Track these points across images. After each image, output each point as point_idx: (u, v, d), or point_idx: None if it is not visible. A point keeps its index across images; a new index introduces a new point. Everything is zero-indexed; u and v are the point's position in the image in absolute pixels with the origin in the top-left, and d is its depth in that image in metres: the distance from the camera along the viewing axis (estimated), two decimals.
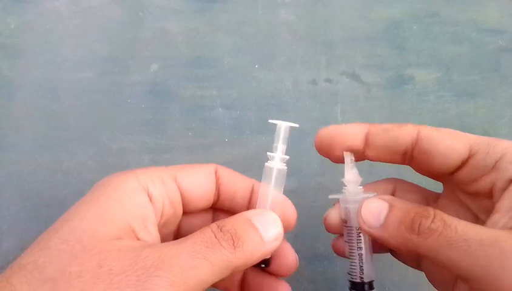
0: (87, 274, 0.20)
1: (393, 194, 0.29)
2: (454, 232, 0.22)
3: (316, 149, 0.28)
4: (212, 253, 0.21)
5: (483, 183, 0.25)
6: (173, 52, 0.46)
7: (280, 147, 0.26)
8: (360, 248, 0.27)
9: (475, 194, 0.26)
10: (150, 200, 0.24)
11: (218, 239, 0.21)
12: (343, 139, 0.27)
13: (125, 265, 0.20)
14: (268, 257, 0.26)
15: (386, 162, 0.28)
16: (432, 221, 0.22)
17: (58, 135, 0.43)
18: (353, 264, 0.27)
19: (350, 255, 0.28)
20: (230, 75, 0.46)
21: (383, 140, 0.27)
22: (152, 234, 0.24)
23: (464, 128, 0.44)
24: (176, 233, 0.28)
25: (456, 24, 0.48)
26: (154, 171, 0.25)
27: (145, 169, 0.25)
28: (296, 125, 0.26)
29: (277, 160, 0.26)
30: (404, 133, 0.26)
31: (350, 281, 0.28)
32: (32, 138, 0.42)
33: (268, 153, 0.27)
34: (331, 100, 0.45)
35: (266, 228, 0.23)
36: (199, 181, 0.26)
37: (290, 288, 0.27)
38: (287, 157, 0.27)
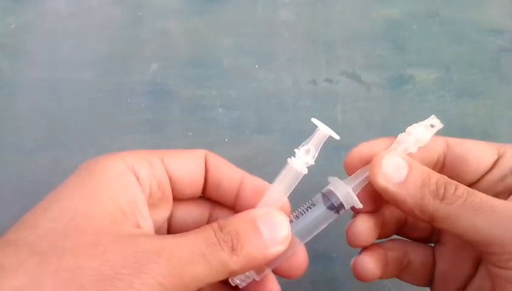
0: (81, 250, 0.19)
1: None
2: (478, 199, 0.22)
3: (346, 169, 0.27)
4: (210, 253, 0.20)
5: (508, 182, 0.26)
6: (173, 52, 0.46)
7: (312, 151, 0.24)
8: None
9: (501, 194, 0.26)
10: (138, 181, 0.23)
11: (218, 239, 0.21)
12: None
13: (122, 246, 0.19)
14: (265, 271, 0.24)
15: None
16: (456, 188, 0.23)
17: (58, 135, 0.43)
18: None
19: None
20: (230, 75, 0.46)
21: (416, 152, 0.27)
22: (144, 216, 0.23)
23: (464, 128, 0.44)
24: (170, 222, 0.27)
25: (456, 24, 0.48)
26: (141, 153, 0.24)
27: (131, 151, 0.24)
28: (337, 137, 0.25)
29: (302, 162, 0.24)
30: (434, 141, 0.26)
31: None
32: (32, 138, 0.42)
33: (296, 150, 0.25)
34: (331, 100, 0.45)
35: (272, 231, 0.22)
36: (187, 165, 0.25)
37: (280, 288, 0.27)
38: (313, 163, 0.25)
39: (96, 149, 0.42)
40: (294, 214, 0.25)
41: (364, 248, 0.29)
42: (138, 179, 0.23)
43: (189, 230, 0.21)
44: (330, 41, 0.47)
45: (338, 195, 0.24)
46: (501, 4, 0.49)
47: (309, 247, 0.40)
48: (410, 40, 0.48)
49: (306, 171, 0.24)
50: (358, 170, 0.27)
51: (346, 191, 0.24)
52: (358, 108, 0.45)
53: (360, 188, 0.26)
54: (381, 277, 0.28)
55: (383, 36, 0.48)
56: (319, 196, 0.25)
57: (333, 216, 0.24)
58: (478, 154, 0.26)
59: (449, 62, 0.47)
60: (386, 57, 0.47)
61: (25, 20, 0.47)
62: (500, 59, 0.47)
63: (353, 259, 0.28)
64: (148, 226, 0.23)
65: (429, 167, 0.27)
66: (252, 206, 0.24)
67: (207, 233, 0.21)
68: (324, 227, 0.24)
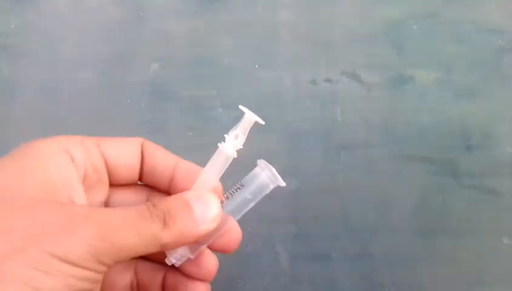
0: (12, 214, 0.20)
1: None
2: None
3: None
4: (140, 223, 0.21)
5: None
6: (173, 52, 0.46)
7: (240, 136, 0.25)
8: None
9: None
10: (72, 162, 0.24)
11: (150, 213, 0.21)
12: None
13: (52, 210, 0.20)
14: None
15: None
16: None
17: (58, 135, 0.43)
18: None
19: None
20: (230, 75, 0.46)
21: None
22: (78, 192, 0.23)
23: (464, 128, 0.44)
24: (106, 206, 0.27)
25: (456, 24, 0.48)
26: (76, 137, 0.25)
27: (66, 135, 0.25)
28: (262, 122, 0.25)
29: (231, 146, 0.25)
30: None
31: None
32: (32, 138, 0.42)
33: (226, 135, 0.25)
34: (331, 100, 0.45)
35: (203, 210, 0.23)
36: (123, 150, 0.26)
37: (209, 288, 0.27)
38: (242, 147, 0.26)
39: None
40: (225, 195, 0.25)
41: None
42: (72, 160, 0.24)
43: None
44: (330, 41, 0.47)
45: (265, 176, 0.25)
46: (502, 4, 0.49)
47: (309, 247, 0.40)
48: (410, 40, 0.48)
49: (235, 155, 0.25)
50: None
51: (272, 172, 0.25)
52: (358, 108, 0.45)
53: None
54: None
55: (383, 36, 0.48)
56: (248, 176, 0.26)
57: (260, 195, 0.25)
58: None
59: (449, 62, 0.47)
60: (386, 57, 0.47)
61: (25, 20, 0.47)
62: (500, 59, 0.47)
63: None
64: (81, 200, 0.24)
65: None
66: (185, 189, 0.25)
67: (140, 207, 0.22)
68: (253, 205, 0.25)
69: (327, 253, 0.40)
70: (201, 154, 0.43)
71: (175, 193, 0.24)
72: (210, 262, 0.27)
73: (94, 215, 0.20)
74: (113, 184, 0.26)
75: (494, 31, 0.48)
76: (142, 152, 0.27)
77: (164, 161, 0.27)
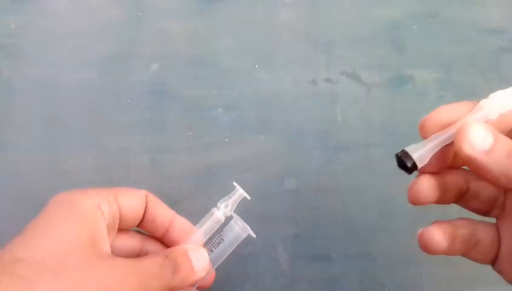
0: (82, 266, 0.25)
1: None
2: None
3: (421, 132, 0.28)
4: (162, 274, 0.27)
5: None
6: (173, 52, 0.46)
7: (230, 206, 0.31)
8: None
9: None
10: (102, 215, 0.28)
11: (165, 265, 0.28)
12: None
13: (106, 267, 0.26)
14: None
15: None
16: None
17: (58, 135, 0.43)
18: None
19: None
20: (230, 75, 0.46)
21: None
22: (107, 242, 0.28)
23: None
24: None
25: (456, 24, 0.48)
26: (102, 192, 0.29)
27: (95, 190, 0.29)
28: (249, 198, 0.31)
29: (222, 214, 0.31)
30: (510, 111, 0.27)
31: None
32: (32, 138, 0.43)
33: (218, 203, 0.31)
34: (331, 100, 0.45)
35: (198, 262, 0.29)
36: (134, 202, 0.30)
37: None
38: (229, 214, 0.31)
39: (96, 149, 0.42)
40: (208, 247, 0.31)
41: (434, 221, 0.29)
42: (102, 213, 0.28)
43: (124, 256, 0.28)
44: (330, 41, 0.47)
45: (238, 229, 0.31)
46: (502, 4, 0.49)
47: (309, 246, 0.40)
48: (410, 40, 0.48)
49: (223, 220, 0.31)
50: (433, 135, 0.27)
51: (244, 225, 0.31)
52: (358, 108, 0.45)
53: (434, 152, 0.26)
54: (446, 253, 0.28)
55: (383, 36, 0.48)
56: (226, 230, 0.31)
57: (236, 244, 0.31)
58: None
59: (449, 62, 0.47)
60: (386, 57, 0.47)
61: (25, 20, 0.47)
62: (500, 59, 0.47)
63: (420, 230, 0.28)
64: (108, 249, 0.28)
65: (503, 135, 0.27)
66: (178, 239, 0.31)
67: (158, 260, 0.28)
68: (230, 251, 0.31)
69: (327, 253, 0.40)
70: (201, 154, 0.43)
71: (168, 242, 0.31)
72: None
73: (137, 268, 0.26)
74: (119, 229, 0.31)
75: (494, 31, 0.48)
76: (146, 203, 0.31)
77: (164, 214, 0.31)
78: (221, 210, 0.31)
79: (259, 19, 0.48)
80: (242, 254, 0.39)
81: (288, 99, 0.45)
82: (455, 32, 0.48)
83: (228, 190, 0.42)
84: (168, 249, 0.30)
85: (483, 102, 0.27)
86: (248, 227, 0.31)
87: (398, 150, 0.28)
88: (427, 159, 0.27)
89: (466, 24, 0.48)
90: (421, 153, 0.27)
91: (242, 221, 0.31)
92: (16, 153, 0.42)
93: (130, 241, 0.32)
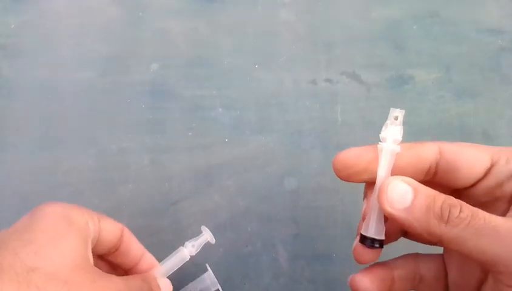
0: (87, 282, 0.26)
1: None
2: (482, 221, 0.23)
3: (337, 175, 0.28)
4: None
5: (506, 188, 0.26)
6: (173, 52, 0.46)
7: (196, 246, 0.33)
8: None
9: (495, 201, 0.26)
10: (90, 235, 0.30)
11: (144, 287, 0.30)
12: (366, 164, 0.27)
13: (107, 281, 0.27)
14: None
15: None
16: (461, 211, 0.23)
17: (58, 135, 0.43)
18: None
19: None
20: (230, 75, 0.46)
21: (407, 159, 0.27)
22: (91, 259, 0.29)
23: (464, 128, 0.44)
24: None
25: (456, 24, 0.48)
26: (89, 212, 0.30)
27: (83, 208, 0.30)
28: (213, 242, 0.33)
29: (188, 252, 0.33)
30: (426, 148, 0.27)
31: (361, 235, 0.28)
32: (32, 138, 0.43)
33: (186, 242, 0.33)
34: (331, 100, 0.45)
35: (165, 288, 0.32)
36: (113, 230, 0.31)
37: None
38: (194, 254, 0.33)
39: (96, 149, 0.42)
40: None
41: (367, 267, 0.28)
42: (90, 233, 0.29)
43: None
44: (330, 41, 0.47)
45: (209, 282, 0.36)
46: (502, 4, 0.49)
47: (309, 247, 0.40)
48: (410, 40, 0.48)
49: (188, 258, 0.33)
50: (372, 202, 0.27)
51: (214, 280, 0.36)
52: (358, 108, 0.45)
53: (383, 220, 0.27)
54: None
55: (383, 36, 0.48)
56: (198, 280, 0.36)
57: None
58: (470, 162, 0.26)
59: (449, 62, 0.47)
60: (386, 57, 0.47)
61: (25, 20, 0.47)
62: (500, 59, 0.47)
63: (350, 276, 0.28)
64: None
65: (422, 174, 0.27)
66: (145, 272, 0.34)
67: (139, 282, 0.30)
68: None
69: (327, 253, 0.40)
70: (201, 154, 0.43)
71: (134, 272, 0.33)
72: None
73: (127, 287, 0.28)
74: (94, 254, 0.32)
75: (494, 31, 0.48)
76: (122, 235, 0.32)
77: (137, 247, 0.33)
78: (188, 249, 0.33)
79: (259, 19, 0.48)
80: (242, 254, 0.39)
81: (288, 99, 0.45)
82: (455, 32, 0.48)
83: (228, 190, 0.42)
84: (143, 274, 0.32)
85: (380, 144, 0.27)
86: (217, 283, 0.35)
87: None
88: (383, 229, 0.27)
89: (466, 24, 0.48)
90: (376, 228, 0.27)
91: (213, 276, 0.36)
92: (16, 153, 0.42)
93: (101, 267, 0.33)
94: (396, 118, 0.27)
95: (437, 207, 0.24)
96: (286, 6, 0.49)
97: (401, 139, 0.27)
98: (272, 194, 0.41)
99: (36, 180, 0.41)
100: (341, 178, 0.28)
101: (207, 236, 0.34)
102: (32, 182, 0.41)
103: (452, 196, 0.28)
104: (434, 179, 0.28)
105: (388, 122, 0.28)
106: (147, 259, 0.34)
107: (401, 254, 0.30)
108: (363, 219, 0.28)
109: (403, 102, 0.45)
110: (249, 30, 0.48)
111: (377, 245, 0.27)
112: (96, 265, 0.29)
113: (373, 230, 0.27)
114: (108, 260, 0.33)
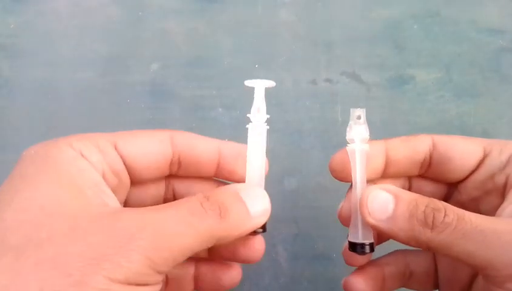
0: (59, 238, 0.18)
1: None
2: (468, 224, 0.22)
3: (333, 175, 0.28)
4: (197, 221, 0.20)
5: (497, 180, 0.26)
6: (173, 52, 0.46)
7: (261, 107, 0.26)
8: None
9: (486, 195, 0.26)
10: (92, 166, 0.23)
11: (204, 208, 0.21)
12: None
13: (102, 226, 0.19)
14: (262, 224, 0.24)
15: (404, 177, 0.28)
16: (445, 215, 0.22)
17: (58, 135, 0.42)
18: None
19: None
20: (230, 75, 0.46)
21: (403, 152, 0.27)
22: (109, 195, 0.22)
23: (464, 128, 0.44)
24: (125, 205, 0.26)
25: (456, 24, 0.48)
26: (90, 138, 0.23)
27: (79, 135, 0.23)
28: (273, 84, 0.27)
29: (261, 123, 0.26)
30: (420, 141, 0.27)
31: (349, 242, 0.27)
32: (32, 138, 0.42)
33: (248, 115, 0.26)
34: (331, 100, 0.45)
35: (253, 203, 0.23)
36: (145, 149, 0.24)
37: (241, 269, 0.27)
38: (268, 116, 0.27)
39: None
40: None
41: (358, 267, 0.28)
42: (90, 163, 0.23)
43: (147, 205, 0.21)
44: (330, 41, 0.47)
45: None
46: (502, 4, 0.49)
47: (309, 247, 0.40)
48: (410, 40, 0.48)
49: (267, 127, 0.26)
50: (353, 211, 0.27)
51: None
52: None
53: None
54: None
55: (383, 36, 0.48)
56: None
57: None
58: (463, 153, 0.26)
59: (449, 62, 0.47)
60: (386, 57, 0.47)
61: (25, 20, 0.47)
62: (500, 59, 0.47)
63: (343, 279, 0.28)
64: (115, 204, 0.23)
65: (417, 167, 0.27)
66: (234, 171, 0.26)
67: (191, 204, 0.21)
68: None
69: (327, 253, 0.40)
70: None
71: (223, 177, 0.26)
72: (259, 243, 0.26)
73: (146, 224, 0.19)
74: (135, 182, 0.25)
75: (494, 30, 0.48)
76: (174, 146, 0.26)
77: (207, 149, 0.26)
78: (256, 118, 0.26)
79: (259, 19, 0.48)
80: None
81: (288, 99, 0.45)
82: (455, 32, 0.48)
83: None
84: (208, 191, 0.23)
85: (349, 146, 0.27)
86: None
87: None
88: (371, 230, 0.26)
89: (466, 24, 0.48)
90: (364, 232, 0.26)
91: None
92: (15, 153, 0.42)
93: (150, 187, 0.26)
94: (359, 117, 0.27)
95: (420, 213, 0.23)
96: (286, 6, 0.49)
97: (368, 137, 0.27)
98: (272, 194, 0.41)
99: None
100: (338, 179, 0.28)
101: (259, 85, 0.26)
102: None
103: (447, 192, 0.28)
104: (428, 172, 0.27)
105: (351, 122, 0.27)
106: (227, 154, 0.26)
107: (392, 250, 0.30)
108: (339, 216, 0.28)
109: (403, 102, 0.45)
110: (249, 29, 0.48)
111: (368, 250, 0.26)
112: None
113: (361, 234, 0.26)
114: None
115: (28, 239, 0.18)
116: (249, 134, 0.26)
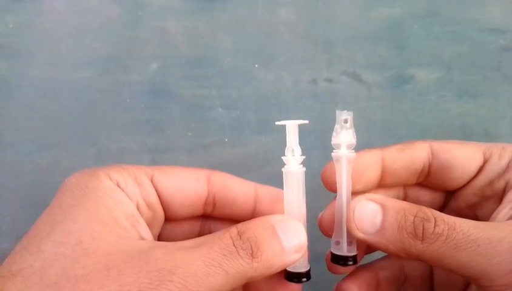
0: (94, 276, 0.19)
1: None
2: (460, 234, 0.21)
3: (325, 187, 0.27)
4: (228, 262, 0.20)
5: (497, 186, 0.25)
6: (173, 52, 0.46)
7: (295, 148, 0.25)
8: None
9: (484, 201, 0.26)
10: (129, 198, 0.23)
11: (236, 248, 0.20)
12: (360, 173, 0.26)
13: (135, 267, 0.19)
14: (307, 269, 0.24)
15: (400, 186, 0.28)
16: (436, 225, 0.21)
17: (57, 135, 0.43)
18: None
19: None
20: (230, 75, 0.45)
21: (400, 161, 0.26)
22: (144, 227, 0.22)
23: (465, 128, 0.44)
24: (159, 238, 0.26)
25: (457, 23, 0.48)
26: (128, 169, 0.23)
27: (118, 166, 0.23)
28: (306, 122, 0.25)
29: (295, 163, 0.25)
30: (418, 149, 0.26)
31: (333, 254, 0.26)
32: (31, 138, 0.42)
33: (282, 158, 0.25)
34: (331, 100, 0.45)
35: (289, 238, 0.22)
36: (180, 185, 0.24)
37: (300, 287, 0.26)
38: (304, 157, 0.25)
39: (96, 149, 0.42)
40: None
41: (352, 271, 0.28)
42: (127, 196, 0.23)
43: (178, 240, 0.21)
44: (331, 41, 0.47)
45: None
46: (503, 3, 0.49)
47: (309, 247, 0.40)
48: (411, 39, 0.47)
49: (303, 169, 0.25)
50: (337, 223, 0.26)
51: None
52: (359, 108, 0.44)
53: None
54: None
55: (384, 35, 0.48)
56: None
57: None
58: (463, 160, 0.25)
59: (450, 61, 0.47)
60: (387, 57, 0.47)
61: (24, 19, 0.46)
62: (501, 59, 0.47)
63: (336, 285, 0.28)
64: (149, 236, 0.23)
65: (415, 176, 0.26)
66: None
67: (224, 242, 0.20)
68: None
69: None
70: (201, 154, 0.43)
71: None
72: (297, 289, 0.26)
73: (176, 266, 0.19)
74: (170, 219, 0.25)
75: (495, 30, 0.48)
76: (211, 186, 0.25)
77: (243, 191, 0.26)
78: (291, 161, 0.25)
79: (259, 19, 0.48)
80: None
81: (288, 99, 0.45)
82: (456, 31, 0.48)
83: None
84: (242, 223, 0.22)
85: (335, 152, 0.26)
86: None
87: None
88: (355, 243, 0.25)
89: (467, 23, 0.48)
90: (347, 244, 0.25)
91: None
92: (14, 153, 0.42)
93: (184, 224, 0.26)
94: (346, 121, 0.25)
95: (409, 224, 0.22)
96: (286, 6, 0.48)
97: (355, 142, 0.26)
98: None
99: (34, 181, 0.41)
100: (331, 190, 0.27)
101: (290, 124, 0.25)
102: (31, 183, 0.41)
103: (444, 199, 0.27)
104: (427, 180, 0.27)
105: (337, 126, 0.26)
106: (264, 198, 0.26)
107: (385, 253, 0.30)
108: (319, 225, 0.27)
109: (404, 102, 0.45)
110: (249, 29, 0.47)
111: (351, 263, 0.25)
112: None
113: (345, 247, 0.25)
114: None
115: (65, 276, 0.18)
116: (284, 179, 0.25)
